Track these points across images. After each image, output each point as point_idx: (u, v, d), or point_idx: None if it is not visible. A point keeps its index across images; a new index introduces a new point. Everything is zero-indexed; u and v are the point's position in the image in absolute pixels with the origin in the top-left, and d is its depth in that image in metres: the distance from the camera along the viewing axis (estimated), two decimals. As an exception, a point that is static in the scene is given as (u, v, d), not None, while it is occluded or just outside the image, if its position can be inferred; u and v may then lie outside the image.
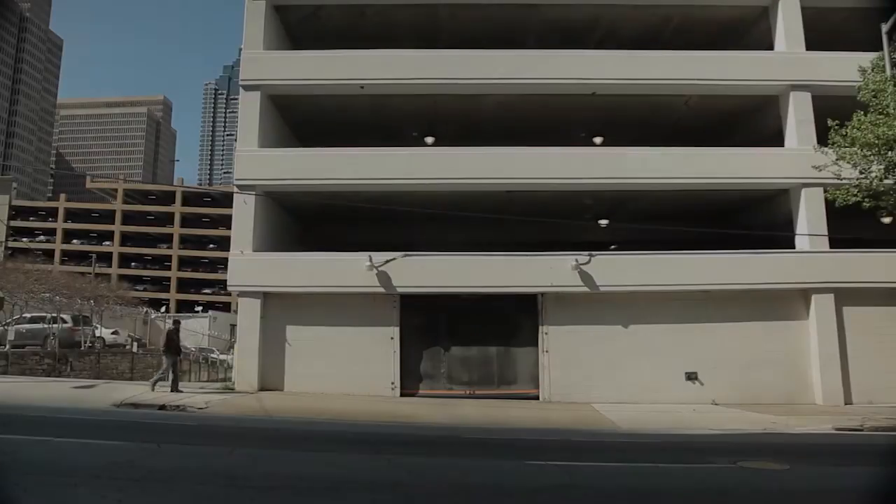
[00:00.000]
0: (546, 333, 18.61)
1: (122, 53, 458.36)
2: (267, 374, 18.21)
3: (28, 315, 27.29)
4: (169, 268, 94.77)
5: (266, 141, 19.84)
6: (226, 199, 78.79)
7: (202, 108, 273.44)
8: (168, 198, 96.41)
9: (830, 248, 18.75)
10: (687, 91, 20.41)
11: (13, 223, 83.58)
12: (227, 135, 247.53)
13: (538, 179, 19.37)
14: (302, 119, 22.15)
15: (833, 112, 15.46)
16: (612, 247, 22.24)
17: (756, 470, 8.86)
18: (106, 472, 7.15)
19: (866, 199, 15.10)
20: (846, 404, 17.51)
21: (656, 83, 19.85)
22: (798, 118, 19.38)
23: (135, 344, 32.44)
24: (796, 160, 18.65)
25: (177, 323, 17.67)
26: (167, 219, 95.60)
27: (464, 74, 19.62)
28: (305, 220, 23.50)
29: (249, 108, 19.74)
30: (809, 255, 18.77)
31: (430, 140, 21.82)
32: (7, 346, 24.02)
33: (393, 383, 18.32)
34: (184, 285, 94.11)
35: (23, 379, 18.93)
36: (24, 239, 79.75)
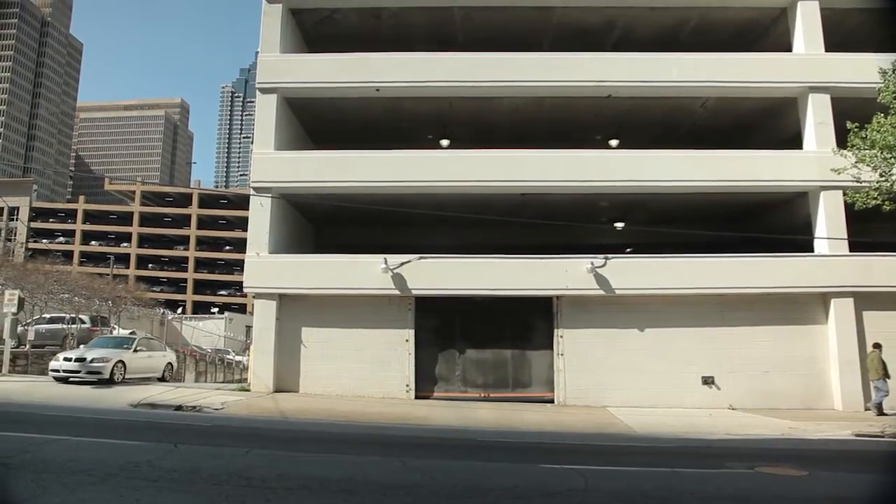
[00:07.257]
0: (561, 336, 18.54)
1: (141, 57, 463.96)
2: (282, 375, 18.30)
3: (47, 315, 27.69)
4: (185, 269, 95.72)
5: (282, 143, 19.95)
6: (242, 202, 79.48)
7: (219, 110, 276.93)
8: (185, 200, 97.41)
9: (850, 251, 18.49)
10: (704, 93, 20.25)
11: (33, 224, 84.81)
12: (244, 137, 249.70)
13: (553, 182, 19.30)
14: (318, 121, 22.24)
15: (852, 114, 15.30)
16: (628, 250, 22.09)
17: (774, 475, 8.77)
18: (123, 472, 7.22)
19: (886, 202, 14.94)
20: (866, 410, 17.24)
21: (673, 86, 19.72)
22: (817, 120, 19.14)
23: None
24: (815, 163, 18.48)
25: (879, 346, 16.37)
26: (184, 221, 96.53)
27: (479, 77, 19.59)
28: (320, 223, 23.61)
29: (266, 111, 19.86)
30: (828, 259, 18.52)
31: (445, 143, 21.84)
32: (27, 346, 24.31)
33: (408, 385, 18.34)
34: (200, 287, 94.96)
35: (42, 378, 19.15)
36: (44, 240, 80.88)
